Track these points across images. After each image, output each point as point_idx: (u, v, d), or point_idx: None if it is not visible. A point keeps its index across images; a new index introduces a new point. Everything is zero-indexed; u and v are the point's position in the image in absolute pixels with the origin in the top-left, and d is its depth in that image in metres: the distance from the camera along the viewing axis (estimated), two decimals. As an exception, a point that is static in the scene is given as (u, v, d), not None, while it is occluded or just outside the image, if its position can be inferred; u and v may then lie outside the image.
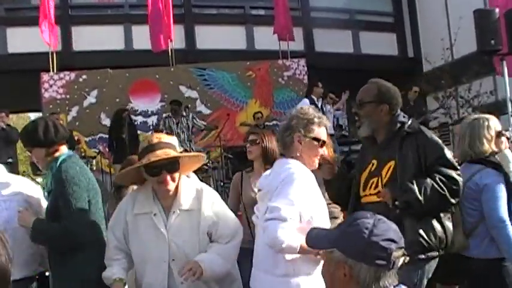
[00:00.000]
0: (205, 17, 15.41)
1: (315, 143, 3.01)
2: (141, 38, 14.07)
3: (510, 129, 8.23)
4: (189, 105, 11.31)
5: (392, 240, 1.74)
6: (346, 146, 11.50)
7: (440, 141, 3.39)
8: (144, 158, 2.93)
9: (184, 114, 10.54)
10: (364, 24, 15.92)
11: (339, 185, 3.61)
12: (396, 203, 3.19)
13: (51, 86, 12.04)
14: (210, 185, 10.70)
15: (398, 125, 3.40)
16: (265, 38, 14.17)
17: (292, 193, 2.78)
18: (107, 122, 11.86)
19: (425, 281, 3.28)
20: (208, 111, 12.41)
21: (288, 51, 13.24)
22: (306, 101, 9.90)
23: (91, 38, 13.74)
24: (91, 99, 12.24)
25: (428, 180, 3.21)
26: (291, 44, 13.33)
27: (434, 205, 3.23)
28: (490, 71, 11.72)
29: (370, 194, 3.42)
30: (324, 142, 3.06)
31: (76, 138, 11.39)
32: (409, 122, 3.42)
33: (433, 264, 3.31)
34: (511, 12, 8.68)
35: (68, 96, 12.11)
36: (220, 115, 11.97)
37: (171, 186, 2.95)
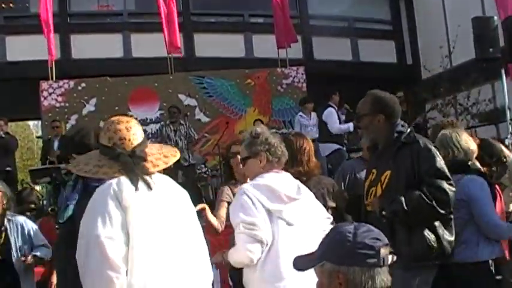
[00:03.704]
0: (204, 25, 15.44)
1: None
2: (140, 46, 14.12)
3: (509, 136, 8.25)
4: (188, 113, 11.31)
5: (377, 239, 1.77)
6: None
7: (435, 150, 3.41)
8: None
9: (182, 122, 10.52)
10: (363, 32, 15.96)
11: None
12: (383, 212, 3.27)
13: (50, 94, 12.03)
14: (208, 194, 10.59)
15: (396, 134, 3.45)
16: (264, 46, 14.19)
17: None
18: (105, 130, 11.84)
19: None
20: (207, 120, 12.39)
21: (286, 59, 13.25)
22: (331, 110, 9.89)
23: (90, 46, 13.76)
24: (90, 107, 12.22)
25: (417, 191, 3.24)
26: (289, 52, 13.33)
27: (422, 216, 3.26)
28: (488, 78, 11.74)
29: (370, 204, 3.51)
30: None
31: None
32: (408, 131, 3.46)
33: (430, 273, 3.34)
34: (510, 20, 8.70)
35: (67, 104, 12.10)
36: (219, 123, 11.96)
37: None
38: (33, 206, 5.73)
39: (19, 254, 4.38)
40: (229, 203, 4.77)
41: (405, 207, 3.20)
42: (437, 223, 3.31)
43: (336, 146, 9.73)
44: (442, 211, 3.26)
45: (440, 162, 3.35)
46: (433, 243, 3.26)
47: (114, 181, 2.61)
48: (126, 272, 2.48)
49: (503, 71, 9.10)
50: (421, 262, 3.27)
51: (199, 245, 2.83)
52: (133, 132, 2.71)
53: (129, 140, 2.69)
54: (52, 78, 11.97)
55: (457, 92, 13.11)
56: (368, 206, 3.52)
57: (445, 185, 3.27)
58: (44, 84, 12.01)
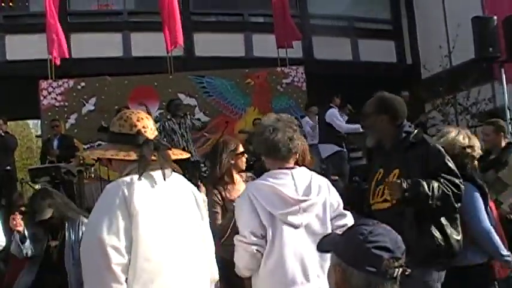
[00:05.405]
0: (204, 25, 15.42)
1: None
2: (140, 45, 14.11)
3: (508, 136, 8.25)
4: (188, 113, 11.24)
5: (387, 249, 1.71)
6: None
7: (442, 150, 3.49)
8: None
9: (182, 114, 10.22)
10: (363, 31, 15.95)
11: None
12: (406, 194, 3.24)
13: (49, 93, 12.02)
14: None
15: (404, 135, 3.52)
16: (264, 45, 14.19)
17: None
18: (105, 129, 11.84)
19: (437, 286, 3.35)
20: (207, 119, 12.37)
21: (286, 59, 13.24)
22: (334, 111, 9.86)
23: (89, 45, 13.74)
24: (89, 106, 12.21)
25: (435, 181, 3.29)
26: (289, 52, 13.33)
27: (440, 204, 3.29)
28: (488, 78, 11.73)
29: (377, 202, 3.54)
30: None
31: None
32: (415, 132, 3.55)
33: (440, 272, 3.38)
34: (509, 20, 8.71)
35: (66, 103, 12.09)
36: (219, 123, 11.94)
37: None
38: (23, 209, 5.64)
39: None
40: None
41: (428, 192, 3.23)
42: (444, 221, 3.36)
43: (337, 148, 9.68)
44: (456, 205, 3.34)
45: (450, 161, 3.43)
46: (440, 242, 3.30)
47: (125, 181, 2.51)
48: (126, 279, 2.42)
49: (503, 71, 9.10)
50: (428, 261, 3.29)
51: (205, 250, 2.78)
52: (153, 123, 2.70)
53: (151, 129, 2.64)
54: (52, 78, 11.97)
55: (457, 92, 13.10)
56: (373, 205, 3.56)
57: (457, 182, 3.35)
58: (44, 84, 12.01)
